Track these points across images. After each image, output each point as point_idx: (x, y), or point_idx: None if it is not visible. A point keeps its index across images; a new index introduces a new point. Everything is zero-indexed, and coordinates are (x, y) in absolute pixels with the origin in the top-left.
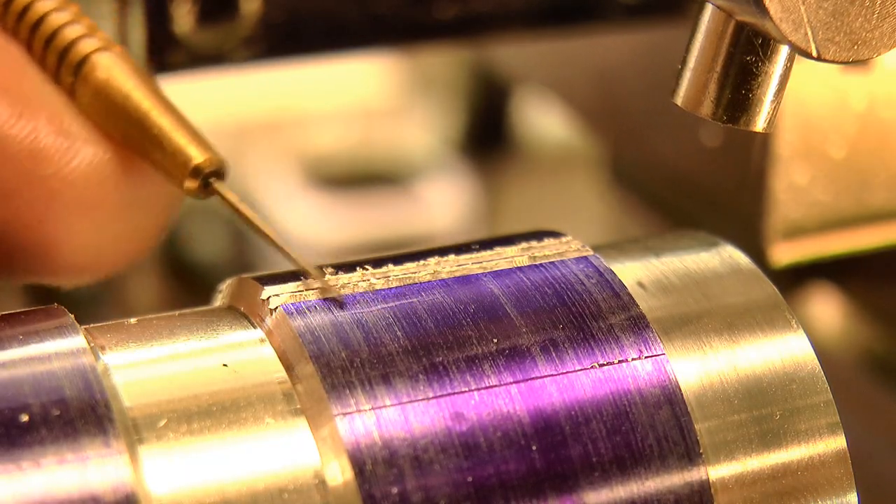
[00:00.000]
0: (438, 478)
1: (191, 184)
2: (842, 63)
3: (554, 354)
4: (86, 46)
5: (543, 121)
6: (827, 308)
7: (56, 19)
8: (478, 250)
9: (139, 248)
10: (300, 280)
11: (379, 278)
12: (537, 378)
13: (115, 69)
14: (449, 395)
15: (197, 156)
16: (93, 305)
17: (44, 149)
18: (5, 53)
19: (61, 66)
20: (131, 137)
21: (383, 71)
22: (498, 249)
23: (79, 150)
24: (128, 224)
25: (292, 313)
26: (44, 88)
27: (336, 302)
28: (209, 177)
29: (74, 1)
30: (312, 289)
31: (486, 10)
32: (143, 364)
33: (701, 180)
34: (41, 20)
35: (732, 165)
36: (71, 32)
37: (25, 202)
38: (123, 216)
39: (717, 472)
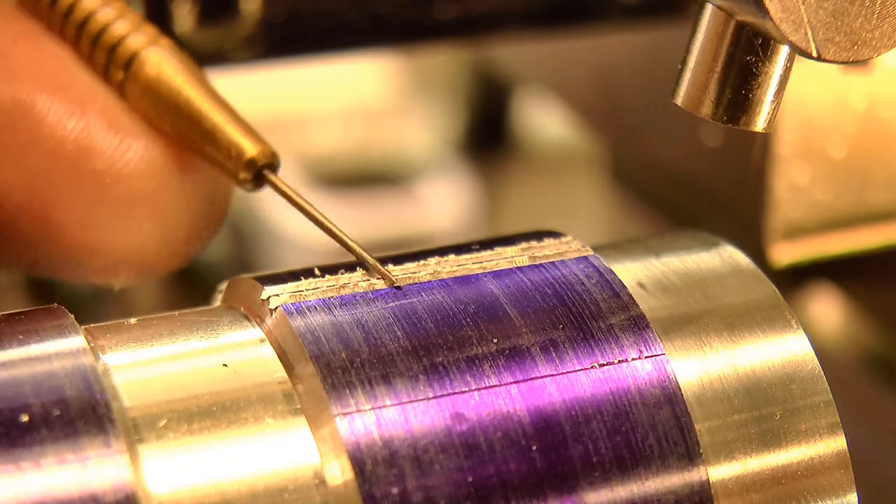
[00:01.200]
0: (439, 478)
1: (245, 176)
2: (842, 63)
3: (554, 354)
4: (134, 43)
5: (543, 121)
6: (827, 308)
7: (102, 16)
8: (478, 250)
9: (195, 243)
10: (300, 280)
11: (379, 278)
12: (537, 378)
13: (164, 65)
14: (449, 395)
15: (250, 148)
16: (93, 305)
17: (95, 145)
18: (54, 53)
19: (110, 64)
20: (183, 132)
21: (383, 71)
22: (498, 249)
23: (130, 146)
24: (182, 219)
25: (292, 313)
26: (94, 86)
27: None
28: (262, 169)
29: None
30: (312, 288)
31: (486, 10)
32: (143, 364)
33: (701, 180)
34: (87, 18)
35: (732, 165)
36: (118, 29)
37: (80, 199)
38: (177, 211)
39: (717, 472)
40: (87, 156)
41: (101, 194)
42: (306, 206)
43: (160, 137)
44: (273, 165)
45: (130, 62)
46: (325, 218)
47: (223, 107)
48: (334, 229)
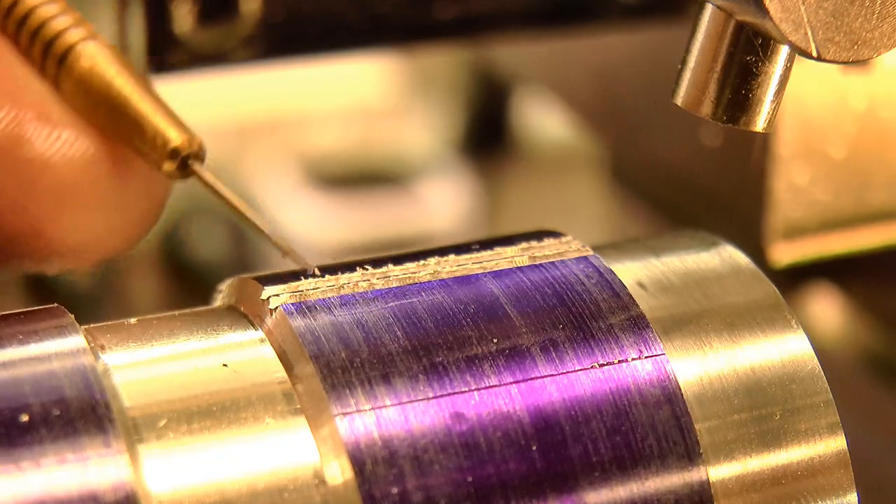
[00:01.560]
0: (438, 477)
1: (169, 165)
2: (842, 63)
3: (554, 354)
4: (70, 37)
5: (543, 121)
6: (827, 308)
7: (43, 12)
8: (478, 250)
9: (128, 236)
10: (300, 280)
11: (379, 278)
12: (537, 378)
13: (98, 57)
14: (449, 395)
15: (175, 138)
16: (93, 305)
17: (26, 134)
18: None
19: (47, 58)
20: (114, 124)
21: (383, 71)
22: (498, 249)
23: (60, 135)
24: (115, 211)
25: (292, 313)
26: (27, 79)
27: (332, 297)
28: (188, 158)
29: (76, 1)
30: (312, 288)
31: (486, 10)
32: (143, 364)
33: (701, 180)
34: (29, 13)
35: (732, 165)
36: (57, 24)
37: (10, 187)
38: (110, 202)
39: (717, 472)
40: (16, 145)
41: (31, 183)
42: (229, 198)
43: (92, 129)
44: (199, 155)
45: (66, 55)
46: (247, 208)
47: (153, 99)
48: (255, 220)
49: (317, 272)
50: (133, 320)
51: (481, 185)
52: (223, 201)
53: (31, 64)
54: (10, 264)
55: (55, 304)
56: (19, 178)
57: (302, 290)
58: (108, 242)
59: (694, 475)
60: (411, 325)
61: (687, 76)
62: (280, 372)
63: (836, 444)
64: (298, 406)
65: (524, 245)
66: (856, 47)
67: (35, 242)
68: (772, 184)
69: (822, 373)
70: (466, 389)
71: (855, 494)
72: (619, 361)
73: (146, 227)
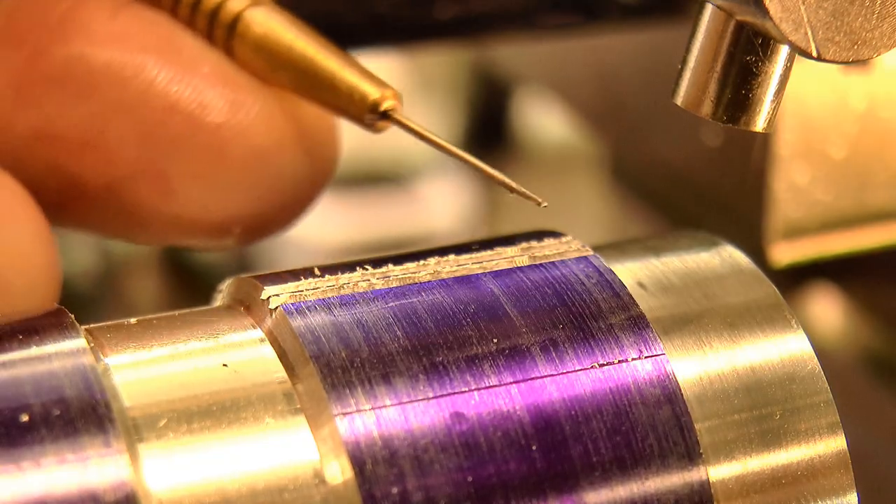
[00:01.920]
0: (439, 477)
1: (370, 118)
2: (842, 63)
3: (554, 354)
4: (234, 5)
5: (544, 121)
6: (827, 308)
7: None
8: (478, 250)
9: (307, 200)
10: (300, 280)
11: (379, 278)
12: (537, 378)
13: (270, 22)
14: (449, 394)
15: (372, 91)
16: (93, 305)
17: (210, 101)
18: (156, 21)
19: (214, 28)
20: (300, 85)
21: (383, 71)
22: (498, 249)
23: (246, 100)
24: (296, 174)
25: (292, 313)
26: (202, 48)
27: (332, 297)
28: (387, 109)
29: None
30: (312, 288)
31: (486, 10)
32: (143, 364)
33: (701, 180)
34: None
35: (732, 165)
36: None
37: (196, 154)
38: (292, 166)
39: (717, 471)
40: (202, 112)
41: (217, 149)
42: (435, 139)
43: (273, 92)
44: (396, 105)
45: (235, 24)
46: (458, 149)
47: (336, 55)
48: (469, 159)
49: (317, 272)
50: (133, 320)
51: (481, 185)
52: (431, 143)
53: (200, 35)
54: (190, 238)
55: (55, 304)
56: (205, 144)
57: (302, 290)
58: (287, 210)
59: (694, 475)
60: (411, 325)
61: (687, 76)
62: (280, 372)
63: (836, 444)
64: (298, 406)
65: (524, 245)
66: (856, 47)
67: (216, 213)
68: (772, 184)
69: (822, 373)
70: (466, 389)
71: (855, 494)
72: (619, 361)
73: (321, 190)
